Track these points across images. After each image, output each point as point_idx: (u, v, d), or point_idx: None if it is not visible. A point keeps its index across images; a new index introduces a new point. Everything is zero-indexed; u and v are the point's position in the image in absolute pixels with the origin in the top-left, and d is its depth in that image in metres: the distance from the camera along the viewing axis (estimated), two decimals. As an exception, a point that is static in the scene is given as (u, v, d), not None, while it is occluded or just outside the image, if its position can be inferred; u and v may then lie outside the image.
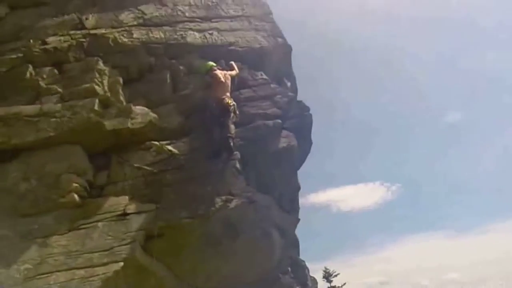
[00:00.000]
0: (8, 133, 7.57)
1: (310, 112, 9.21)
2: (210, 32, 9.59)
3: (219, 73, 8.50)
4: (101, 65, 8.52)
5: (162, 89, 8.67)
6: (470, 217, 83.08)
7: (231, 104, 8.10)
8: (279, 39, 10.39)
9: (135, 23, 9.42)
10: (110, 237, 6.74)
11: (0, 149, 7.51)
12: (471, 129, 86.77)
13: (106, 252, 6.56)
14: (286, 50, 10.75)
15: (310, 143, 9.32)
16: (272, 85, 9.11)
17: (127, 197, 7.23)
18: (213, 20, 9.95)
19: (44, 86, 8.23)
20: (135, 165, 7.54)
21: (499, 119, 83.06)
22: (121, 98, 8.30)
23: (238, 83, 8.90)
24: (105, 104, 8.05)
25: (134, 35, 9.15)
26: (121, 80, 8.53)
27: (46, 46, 8.81)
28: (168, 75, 8.84)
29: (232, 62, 9.07)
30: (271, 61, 9.94)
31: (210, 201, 7.09)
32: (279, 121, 8.43)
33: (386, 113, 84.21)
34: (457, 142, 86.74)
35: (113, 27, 9.23)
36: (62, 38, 9.02)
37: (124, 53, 8.94)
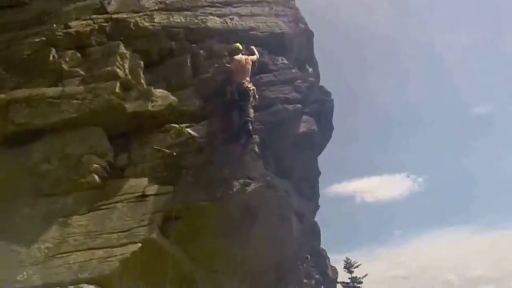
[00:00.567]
0: (31, 114, 7.49)
1: (332, 97, 8.90)
2: (230, 17, 9.32)
3: (239, 57, 8.24)
4: (122, 49, 8.33)
5: (182, 73, 8.45)
6: (498, 211, 78.74)
7: (251, 88, 7.84)
8: (301, 25, 10.08)
9: (156, 7, 9.26)
10: (129, 218, 6.60)
11: (24, 130, 7.42)
12: (501, 122, 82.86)
13: (124, 233, 6.42)
14: (308, 35, 10.46)
15: (331, 128, 8.98)
16: (293, 70, 8.80)
17: (146, 179, 7.06)
18: (234, 5, 9.69)
19: (67, 69, 8.10)
20: (155, 147, 7.36)
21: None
22: (142, 81, 8.11)
23: (258, 68, 8.59)
24: (126, 87, 7.88)
25: (155, 20, 8.96)
26: (142, 63, 8.34)
27: (69, 30, 8.70)
28: (188, 59, 8.61)
29: (253, 47, 8.79)
30: (292, 47, 9.63)
31: (228, 184, 6.86)
32: (299, 105, 8.14)
33: (415, 104, 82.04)
34: (487, 134, 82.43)
35: (134, 12, 9.08)
36: (84, 22, 8.92)
37: (145, 37, 8.74)
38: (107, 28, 8.78)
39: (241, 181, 6.94)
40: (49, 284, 5.92)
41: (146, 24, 8.87)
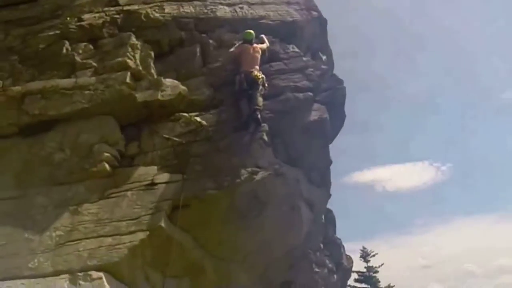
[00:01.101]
0: (46, 105, 7.47)
1: (344, 85, 8.57)
2: (240, 6, 9.07)
3: (245, 46, 8.05)
4: (133, 39, 8.22)
5: (192, 63, 8.26)
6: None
7: (260, 77, 7.61)
8: (313, 13, 9.73)
9: (166, -2, 9.10)
10: (138, 206, 6.49)
11: (38, 121, 7.42)
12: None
13: (133, 221, 6.31)
14: (321, 23, 10.10)
15: (344, 116, 8.66)
16: (304, 58, 8.48)
17: (155, 167, 6.95)
18: (243, -6, 9.44)
19: (80, 61, 8.04)
20: (164, 136, 7.24)
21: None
22: (152, 71, 7.98)
23: (269, 56, 8.36)
24: (137, 77, 7.77)
25: (166, 10, 8.80)
26: (152, 54, 8.21)
27: (82, 23, 8.64)
28: (198, 49, 8.42)
29: (263, 35, 8.56)
30: (304, 35, 9.31)
31: (236, 173, 6.66)
32: (310, 93, 7.84)
33: (439, 90, 79.43)
34: (514, 120, 78.52)
35: (145, 3, 8.94)
36: (97, 15, 8.86)
37: (156, 28, 8.61)
38: (118, 20, 8.68)
39: (249, 169, 6.73)
40: (59, 271, 5.86)
41: (157, 15, 8.74)
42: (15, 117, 7.50)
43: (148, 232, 6.19)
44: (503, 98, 78.46)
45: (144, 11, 8.73)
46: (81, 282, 5.71)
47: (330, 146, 8.74)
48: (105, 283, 5.73)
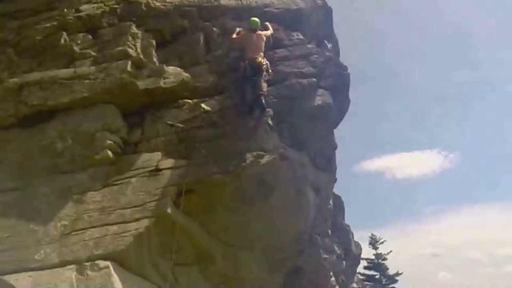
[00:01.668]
0: (45, 95, 7.23)
1: (348, 71, 8.36)
2: (245, -6, 8.87)
3: (252, 33, 7.83)
4: (134, 29, 7.96)
5: (195, 51, 8.02)
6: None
7: (264, 63, 7.40)
8: (318, 1, 9.58)
9: (167, -14, 8.85)
10: (142, 193, 6.25)
11: (38, 111, 7.18)
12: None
13: (138, 208, 6.08)
14: (326, 12, 9.94)
15: (348, 101, 8.45)
16: (308, 45, 8.26)
17: (159, 153, 6.72)
18: (248, -18, 9.20)
19: (78, 51, 7.79)
20: (168, 122, 7.02)
21: None
22: (154, 59, 7.76)
23: (273, 44, 8.12)
24: (138, 65, 7.52)
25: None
26: (154, 42, 7.96)
27: (80, 14, 8.39)
28: (201, 37, 8.18)
29: (267, 23, 8.34)
30: (309, 23, 9.11)
31: (241, 157, 6.43)
32: (314, 79, 7.63)
33: (446, 80, 78.76)
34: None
35: (145, -8, 8.69)
36: (95, 5, 8.55)
37: (157, 17, 8.33)
38: (118, 10, 8.40)
39: (255, 153, 6.51)
40: (66, 261, 5.64)
41: (158, 4, 8.47)
42: (13, 108, 7.26)
43: (153, 219, 5.97)
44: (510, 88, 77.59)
45: (144, 1, 8.44)
46: (88, 272, 5.52)
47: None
48: (113, 272, 5.53)
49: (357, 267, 19.38)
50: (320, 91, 7.78)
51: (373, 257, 26.80)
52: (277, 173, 6.72)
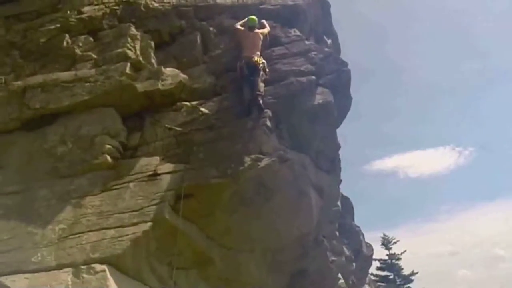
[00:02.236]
0: (46, 98, 7.27)
1: (348, 67, 8.11)
2: (240, -8, 8.70)
3: (249, 32, 7.68)
4: (133, 30, 7.92)
5: (193, 51, 7.91)
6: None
7: (260, 62, 7.26)
8: (315, -5, 9.35)
9: (165, -13, 8.76)
10: (140, 198, 6.20)
11: (40, 114, 7.23)
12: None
13: (136, 212, 6.03)
14: (324, 7, 9.70)
15: (350, 99, 8.21)
16: (306, 42, 8.03)
17: (158, 158, 6.65)
18: (242, -20, 9.02)
19: (80, 53, 7.80)
20: (166, 125, 6.94)
21: None
22: (153, 61, 7.71)
23: (270, 42, 7.95)
24: (137, 67, 7.49)
25: (165, 0, 8.51)
26: (152, 44, 7.92)
27: (82, 16, 8.39)
28: (198, 37, 8.07)
29: (263, 21, 8.15)
30: (306, 19, 8.87)
31: (240, 160, 6.30)
32: (313, 77, 7.43)
33: (458, 74, 76.72)
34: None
35: (144, -7, 8.62)
36: (96, 7, 8.57)
37: (155, 18, 8.30)
38: (118, 11, 8.40)
39: (253, 156, 6.37)
40: (62, 264, 5.65)
41: (156, 4, 8.43)
42: (17, 111, 7.33)
43: (151, 223, 5.91)
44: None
45: (143, 1, 8.42)
46: (84, 275, 5.51)
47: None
48: (109, 275, 5.51)
49: (369, 268, 19.17)
50: (320, 89, 7.56)
51: (386, 257, 26.43)
52: (277, 175, 6.57)
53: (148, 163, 6.66)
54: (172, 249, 6.16)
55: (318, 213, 7.66)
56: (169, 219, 6.08)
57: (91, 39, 8.10)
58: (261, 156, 6.45)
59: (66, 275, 5.51)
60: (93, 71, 7.47)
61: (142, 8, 8.39)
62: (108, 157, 6.69)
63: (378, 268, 26.32)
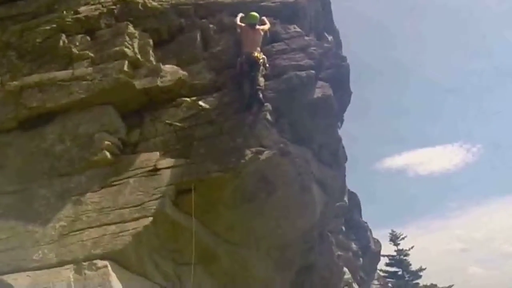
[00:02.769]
0: (43, 97, 7.23)
1: (347, 62, 8.12)
2: (240, -11, 8.71)
3: (249, 28, 7.68)
4: (131, 29, 7.90)
5: (192, 48, 7.87)
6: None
7: (260, 57, 7.25)
8: (316, -7, 9.38)
9: (164, -14, 8.75)
10: (141, 193, 6.15)
11: (37, 114, 7.17)
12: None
13: (137, 208, 5.98)
14: (324, 3, 9.74)
15: (349, 93, 8.21)
16: (306, 37, 8.04)
17: (158, 153, 6.61)
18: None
19: (77, 52, 7.76)
20: (166, 121, 6.90)
21: None
22: (152, 59, 7.65)
23: (270, 38, 7.95)
24: (135, 65, 7.47)
25: (164, -1, 8.51)
26: (151, 42, 7.87)
27: (78, 16, 8.37)
28: (198, 35, 8.03)
29: (264, 17, 8.18)
30: (307, 15, 8.90)
31: (240, 153, 6.27)
32: (312, 71, 7.43)
33: (465, 72, 76.69)
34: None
35: (142, -8, 8.61)
36: (93, 7, 8.56)
37: (154, 17, 8.25)
38: (115, 11, 8.37)
39: (254, 149, 6.34)
40: (64, 261, 5.58)
41: (154, 3, 8.40)
42: (14, 111, 7.28)
43: (152, 218, 5.85)
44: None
45: (141, 0, 8.39)
46: (86, 271, 5.45)
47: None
48: (110, 271, 5.44)
49: (377, 264, 19.16)
50: (319, 83, 7.58)
51: (394, 253, 26.50)
52: (279, 169, 6.54)
53: (148, 158, 6.61)
54: (175, 245, 6.08)
55: (321, 208, 7.61)
56: (170, 213, 6.03)
57: (88, 38, 8.08)
58: (262, 149, 6.42)
59: (68, 272, 5.46)
60: (90, 69, 7.43)
61: (140, 7, 8.35)
62: (108, 154, 6.65)
63: (387, 264, 26.43)
